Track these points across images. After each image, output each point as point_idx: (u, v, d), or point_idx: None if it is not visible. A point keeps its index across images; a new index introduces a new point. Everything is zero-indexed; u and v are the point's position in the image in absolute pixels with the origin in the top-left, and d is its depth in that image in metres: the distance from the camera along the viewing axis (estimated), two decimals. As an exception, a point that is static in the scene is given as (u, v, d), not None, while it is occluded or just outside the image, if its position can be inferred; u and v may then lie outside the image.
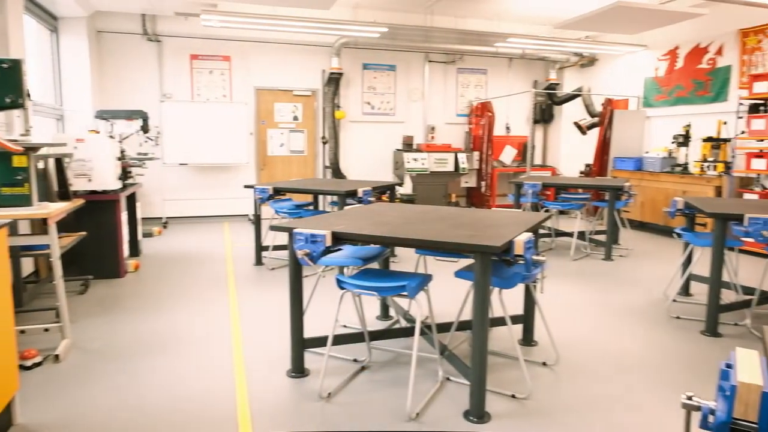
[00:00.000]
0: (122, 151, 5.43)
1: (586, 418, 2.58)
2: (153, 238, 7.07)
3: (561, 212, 9.34)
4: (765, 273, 4.81)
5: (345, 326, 3.78)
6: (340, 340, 3.21)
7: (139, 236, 6.02)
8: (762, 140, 6.35)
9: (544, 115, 10.00)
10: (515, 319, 3.54)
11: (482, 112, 9.19)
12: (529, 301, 3.49)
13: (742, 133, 6.59)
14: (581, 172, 9.36)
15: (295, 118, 8.74)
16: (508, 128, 9.88)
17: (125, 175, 5.52)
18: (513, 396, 2.78)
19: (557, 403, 2.72)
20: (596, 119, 8.83)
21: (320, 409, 2.64)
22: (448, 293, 4.59)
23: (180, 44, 8.06)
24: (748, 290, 4.41)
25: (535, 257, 2.58)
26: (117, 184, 4.92)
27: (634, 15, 6.30)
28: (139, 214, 6.06)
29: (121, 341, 3.49)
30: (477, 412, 2.55)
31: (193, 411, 2.61)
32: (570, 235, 6.95)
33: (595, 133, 9.07)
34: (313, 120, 8.83)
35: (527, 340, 3.50)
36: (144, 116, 6.09)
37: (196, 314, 4.02)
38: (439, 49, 8.74)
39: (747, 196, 6.33)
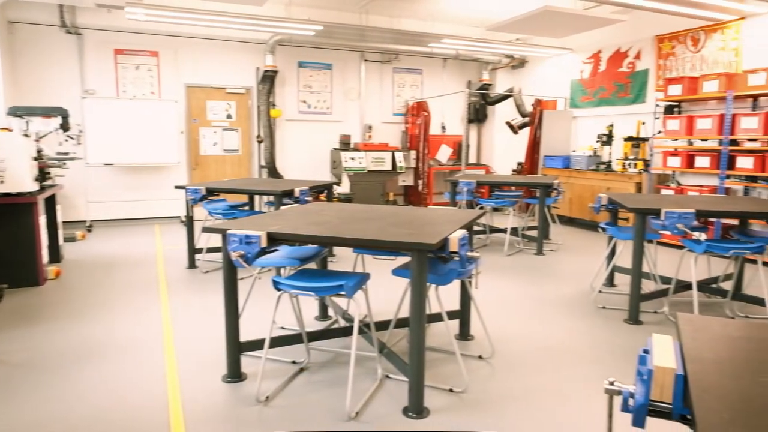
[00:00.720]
0: (39, 151, 5.09)
1: (520, 407, 2.68)
2: (76, 242, 6.69)
3: (495, 209, 9.63)
4: (680, 263, 5.16)
5: (283, 328, 3.73)
6: (277, 342, 3.16)
7: (60, 241, 5.67)
8: (676, 139, 6.81)
9: (477, 114, 10.27)
10: (452, 315, 3.62)
11: (418, 111, 9.31)
12: (465, 297, 3.57)
13: (659, 132, 7.04)
14: (513, 170, 9.69)
15: (229, 117, 8.52)
16: (443, 127, 10.07)
17: (43, 176, 5.18)
18: (451, 390, 2.84)
19: (493, 395, 2.80)
20: (527, 119, 9.16)
21: (258, 413, 2.59)
22: (386, 291, 4.63)
23: (103, 38, 7.66)
24: (665, 280, 4.72)
25: (469, 253, 2.64)
26: (33, 186, 4.61)
27: (560, 19, 6.59)
28: (60, 218, 5.70)
29: (46, 352, 3.28)
30: (416, 408, 2.59)
31: (124, 421, 2.50)
32: (504, 231, 7.18)
33: (526, 132, 9.41)
34: (247, 118, 8.64)
35: (464, 334, 3.59)
36: (64, 113, 5.74)
37: (125, 321, 3.84)
38: (375, 49, 8.78)
39: (664, 191, 6.76)
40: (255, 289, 4.70)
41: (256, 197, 8.51)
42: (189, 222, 5.47)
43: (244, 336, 3.55)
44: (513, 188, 7.36)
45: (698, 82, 6.42)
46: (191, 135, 8.34)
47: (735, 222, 5.98)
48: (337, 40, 8.43)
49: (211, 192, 5.13)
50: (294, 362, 3.17)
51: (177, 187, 5.38)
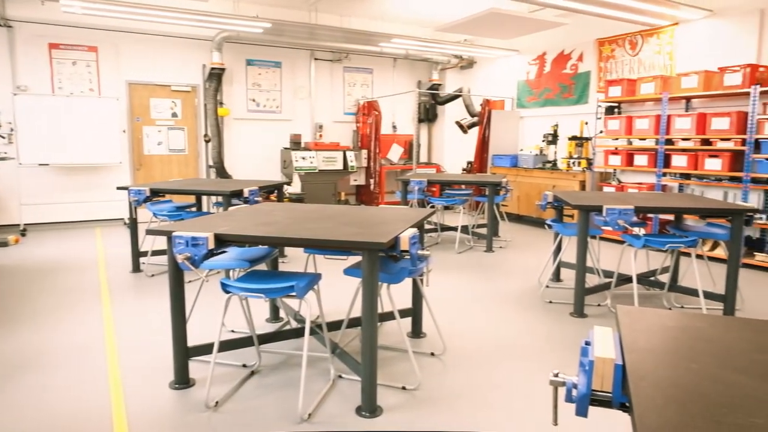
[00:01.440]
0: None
1: (471, 402, 2.73)
2: (8, 247, 6.33)
3: (446, 207, 9.77)
4: (621, 257, 5.39)
5: (233, 331, 3.66)
6: (227, 345, 3.10)
7: (-8, 246, 5.36)
8: (617, 139, 7.11)
9: (428, 114, 10.39)
10: (404, 313, 3.65)
11: (369, 110, 9.33)
12: (417, 295, 3.61)
13: (601, 132, 7.33)
14: (464, 169, 9.86)
15: (174, 115, 8.28)
16: (394, 127, 10.13)
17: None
18: (403, 388, 2.86)
19: (445, 391, 2.84)
20: (476, 119, 9.34)
21: (207, 419, 2.53)
22: (338, 291, 4.62)
23: (36, 31, 7.28)
24: (608, 274, 4.92)
25: (420, 252, 2.67)
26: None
27: (506, 22, 6.75)
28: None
29: (-29, 366, 3.09)
30: (369, 407, 2.60)
31: (61, 436, 2.38)
32: (454, 229, 7.29)
33: (475, 132, 9.59)
34: (194, 117, 8.42)
35: (416, 332, 3.62)
36: (-7, 111, 5.42)
37: (64, 329, 3.66)
38: (325, 47, 8.73)
39: (606, 189, 7.04)
40: (203, 292, 4.58)
41: (204, 198, 8.30)
42: (132, 224, 5.28)
43: (193, 341, 3.46)
44: (463, 187, 7.49)
45: (636, 84, 6.73)
46: (134, 134, 8.05)
47: (671, 217, 6.30)
48: (287, 38, 8.34)
49: (156, 193, 4.97)
50: (244, 366, 3.12)
51: (119, 188, 5.18)
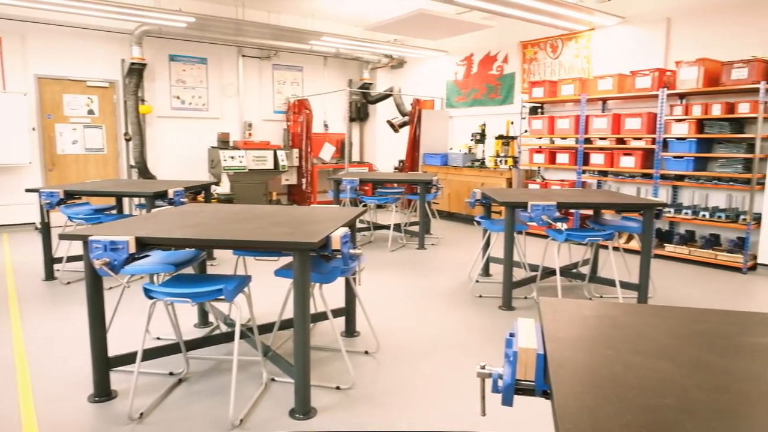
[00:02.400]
0: None
1: (404, 398, 2.76)
2: None
3: (378, 206, 9.83)
4: (545, 251, 5.63)
5: (158, 338, 3.51)
6: (152, 354, 2.97)
7: None
8: (540, 138, 7.42)
9: (359, 113, 10.41)
10: (337, 313, 3.63)
11: (300, 109, 9.22)
12: (350, 294, 3.60)
13: (526, 131, 7.62)
14: (395, 168, 9.96)
15: (91, 112, 7.82)
16: (326, 125, 10.07)
17: None
18: (337, 387, 2.86)
19: (379, 389, 2.86)
20: (407, 118, 9.45)
21: (131, 432, 2.41)
22: (270, 293, 4.53)
23: (-71, 19, 6.65)
24: (534, 267, 5.13)
25: (352, 251, 2.67)
26: None
27: (434, 23, 6.87)
28: None
29: None
30: (302, 409, 2.57)
31: (-36, 460, 2.19)
32: (387, 227, 7.35)
33: (406, 131, 9.71)
34: (113, 114, 7.99)
35: (349, 331, 3.62)
36: None
37: (-35, 345, 3.37)
38: (253, 44, 8.54)
39: (531, 186, 7.34)
40: (127, 298, 4.36)
41: (125, 200, 7.90)
42: (45, 229, 4.94)
43: (114, 350, 3.29)
44: (395, 185, 7.57)
45: (557, 86, 7.05)
46: (45, 132, 7.53)
47: (590, 212, 6.66)
48: (212, 33, 8.08)
49: (72, 195, 4.67)
50: (171, 374, 3.00)
51: (28, 191, 4.84)
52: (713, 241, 5.77)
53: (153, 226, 2.70)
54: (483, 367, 1.26)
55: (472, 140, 8.64)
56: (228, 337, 3.25)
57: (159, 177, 8.39)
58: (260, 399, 2.72)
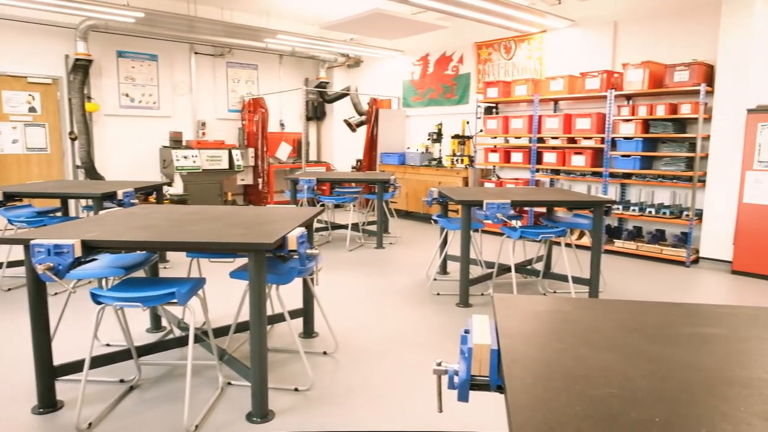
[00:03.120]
0: None
1: (363, 398, 2.76)
2: None
3: (336, 206, 9.79)
4: (501, 249, 5.75)
5: (108, 345, 3.39)
6: (101, 361, 2.86)
7: None
8: (495, 137, 7.56)
9: (316, 112, 10.34)
10: (294, 314, 3.60)
11: (255, 108, 9.09)
12: (308, 294, 3.58)
13: (481, 131, 7.75)
14: (353, 167, 9.94)
15: (33, 110, 7.47)
16: (282, 125, 9.96)
17: None
18: (296, 389, 2.83)
19: (338, 390, 2.85)
20: (364, 117, 9.46)
21: (79, 443, 2.32)
22: (225, 295, 4.45)
23: None
24: (489, 264, 5.23)
25: (309, 251, 2.65)
26: None
27: (390, 22, 6.90)
28: None
29: None
30: (260, 412, 2.53)
31: None
32: (345, 227, 7.34)
33: (363, 130, 9.71)
34: (56, 112, 7.66)
35: (308, 332, 3.59)
36: None
37: None
38: (206, 41, 8.36)
39: (486, 184, 7.47)
40: (74, 304, 4.19)
41: (71, 202, 7.60)
42: (-16, 233, 4.69)
43: (61, 358, 3.16)
44: (353, 185, 7.55)
45: (511, 86, 7.20)
46: (-17, 131, 7.15)
47: (543, 210, 6.84)
48: (163, 29, 7.85)
49: (12, 197, 4.46)
50: (122, 381, 2.90)
51: (-35, 193, 4.58)
52: (659, 236, 6.02)
53: (101, 228, 2.61)
54: (439, 364, 1.27)
55: (429, 140, 8.72)
56: (182, 342, 3.18)
57: (108, 177, 8.10)
58: (216, 404, 2.67)
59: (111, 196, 4.46)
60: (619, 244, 6.16)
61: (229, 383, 2.89)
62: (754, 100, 5.19)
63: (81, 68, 7.45)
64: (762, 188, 5.12)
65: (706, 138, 5.66)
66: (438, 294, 4.57)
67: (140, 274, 3.97)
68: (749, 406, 0.95)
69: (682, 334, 1.31)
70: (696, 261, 5.75)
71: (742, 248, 5.27)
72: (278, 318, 3.55)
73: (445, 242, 5.07)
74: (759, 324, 1.40)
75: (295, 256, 2.53)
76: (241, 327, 3.35)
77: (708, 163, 5.56)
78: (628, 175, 6.27)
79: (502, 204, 3.95)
